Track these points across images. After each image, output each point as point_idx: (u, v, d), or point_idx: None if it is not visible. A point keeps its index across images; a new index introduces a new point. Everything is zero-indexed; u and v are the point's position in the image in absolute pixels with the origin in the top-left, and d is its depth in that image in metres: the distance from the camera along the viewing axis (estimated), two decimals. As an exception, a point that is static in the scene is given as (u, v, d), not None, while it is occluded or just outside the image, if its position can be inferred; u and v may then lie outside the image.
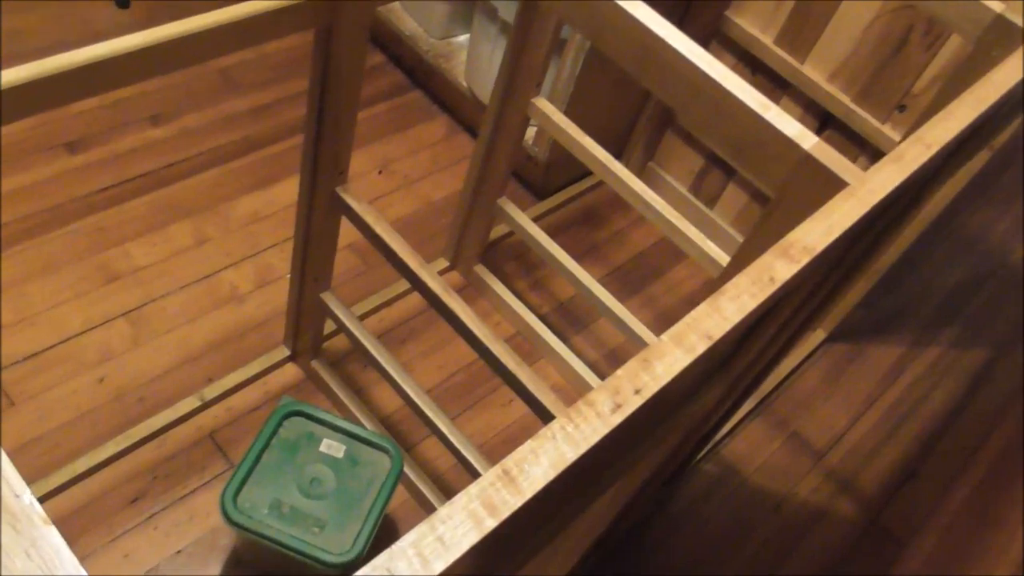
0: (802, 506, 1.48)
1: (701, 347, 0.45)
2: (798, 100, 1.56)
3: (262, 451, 1.05)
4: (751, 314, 0.49)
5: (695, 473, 1.45)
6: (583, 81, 1.51)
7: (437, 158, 1.77)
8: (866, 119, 1.45)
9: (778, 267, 0.51)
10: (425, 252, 1.59)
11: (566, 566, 1.01)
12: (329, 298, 1.20)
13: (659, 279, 1.69)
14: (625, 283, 1.66)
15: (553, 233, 1.71)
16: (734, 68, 1.63)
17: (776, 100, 1.59)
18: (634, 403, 0.42)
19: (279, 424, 1.08)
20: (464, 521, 0.35)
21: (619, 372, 0.43)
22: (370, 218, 1.05)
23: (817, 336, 1.69)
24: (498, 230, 1.66)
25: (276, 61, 1.83)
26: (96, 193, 1.50)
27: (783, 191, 0.61)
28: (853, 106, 1.47)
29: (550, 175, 1.72)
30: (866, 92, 1.46)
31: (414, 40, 1.85)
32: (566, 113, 1.54)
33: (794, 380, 1.62)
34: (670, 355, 0.44)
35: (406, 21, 1.87)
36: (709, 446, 1.46)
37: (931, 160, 0.63)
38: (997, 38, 0.84)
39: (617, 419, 0.41)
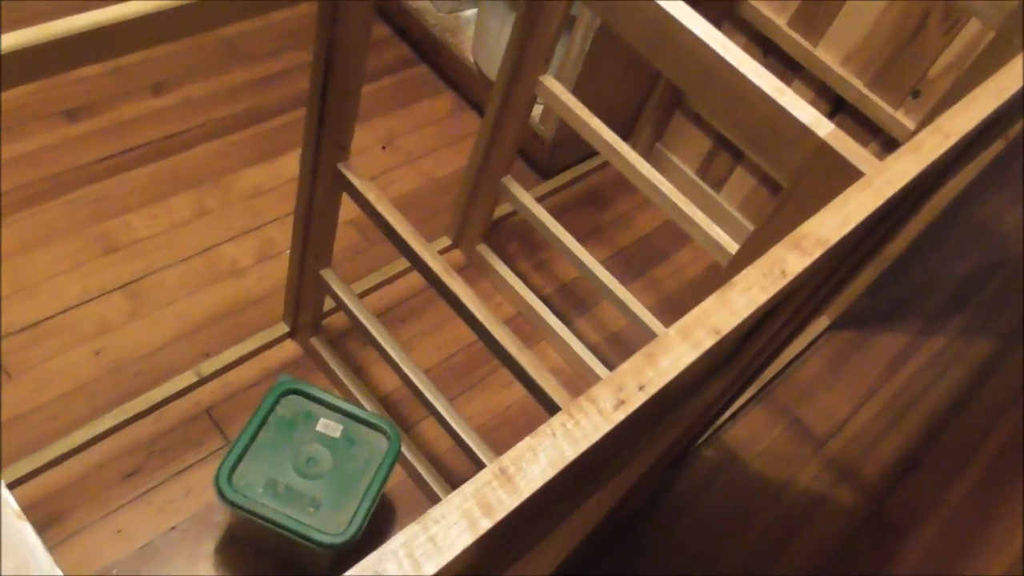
0: (803, 494, 1.47)
1: (708, 342, 0.43)
2: (810, 84, 1.53)
3: (258, 429, 1.04)
4: (761, 308, 0.47)
5: (696, 458, 1.44)
6: (592, 60, 1.48)
7: (442, 134, 1.75)
8: (879, 105, 1.42)
9: (790, 260, 0.49)
10: (427, 230, 1.57)
11: (562, 554, 1.00)
12: (329, 275, 1.18)
13: (663, 262, 1.67)
14: (629, 266, 1.65)
15: (557, 213, 1.69)
16: (745, 49, 1.60)
17: (788, 83, 1.56)
18: (638, 399, 0.40)
19: (276, 402, 1.07)
20: (458, 521, 0.34)
21: (624, 366, 0.42)
22: (371, 195, 1.03)
23: (821, 323, 1.67)
24: (502, 209, 1.63)
25: (282, 31, 1.80)
26: (96, 163, 1.48)
27: (797, 179, 0.59)
28: (866, 91, 1.44)
29: (556, 154, 1.69)
30: (880, 77, 1.43)
31: (421, 13, 1.82)
32: (574, 92, 1.51)
33: (797, 367, 1.61)
34: (676, 349, 0.43)
35: (413, -7, 1.84)
36: (710, 431, 1.45)
37: (950, 150, 0.61)
38: (1020, 25, 0.81)
39: (620, 416, 0.40)
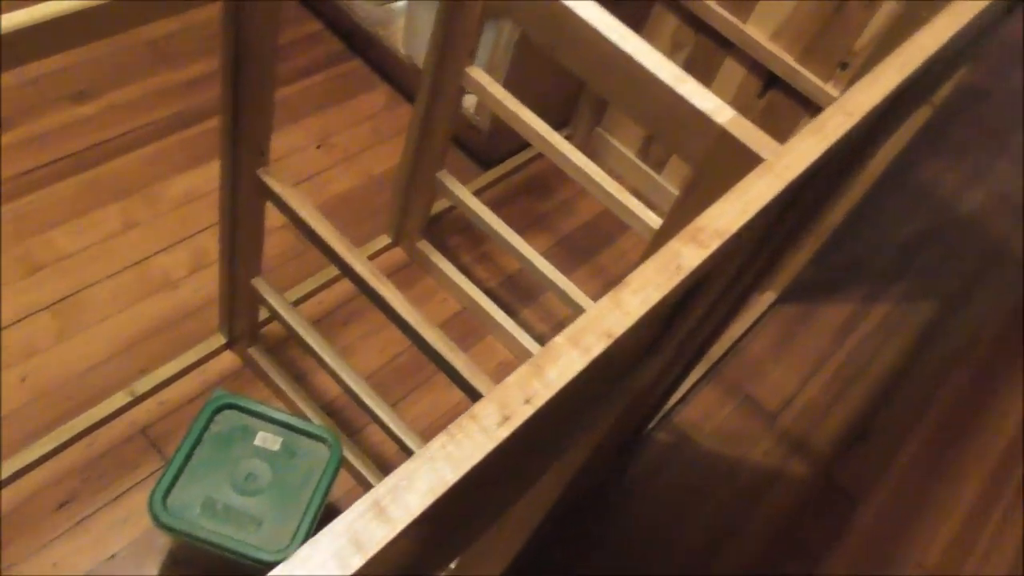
0: (756, 469, 1.48)
1: (599, 347, 0.42)
2: (743, 60, 1.52)
3: (193, 448, 1.01)
4: (659, 305, 0.46)
5: (649, 442, 1.44)
6: (524, 47, 1.46)
7: (378, 130, 1.72)
8: (809, 78, 1.42)
9: (686, 253, 0.48)
10: (366, 229, 1.54)
11: (512, 550, 0.99)
12: (260, 284, 1.15)
13: (608, 248, 1.66)
14: (573, 253, 1.64)
15: (499, 204, 1.67)
16: (677, 29, 1.59)
17: (720, 61, 1.55)
18: (524, 413, 0.39)
19: (211, 419, 1.04)
20: (326, 562, 0.32)
21: (509, 379, 0.40)
22: (294, 202, 1.01)
23: (767, 298, 1.68)
24: (442, 203, 1.61)
25: (209, 32, 1.75)
26: (15, 178, 1.43)
27: (702, 168, 0.58)
28: (796, 65, 1.44)
29: (494, 144, 1.67)
30: (809, 51, 1.43)
31: (350, 6, 1.78)
32: (507, 80, 1.49)
33: (745, 344, 1.62)
34: (565, 357, 0.41)
35: (340, -13, 1.80)
36: (661, 415, 1.45)
37: (855, 128, 0.61)
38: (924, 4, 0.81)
39: (504, 433, 0.38)
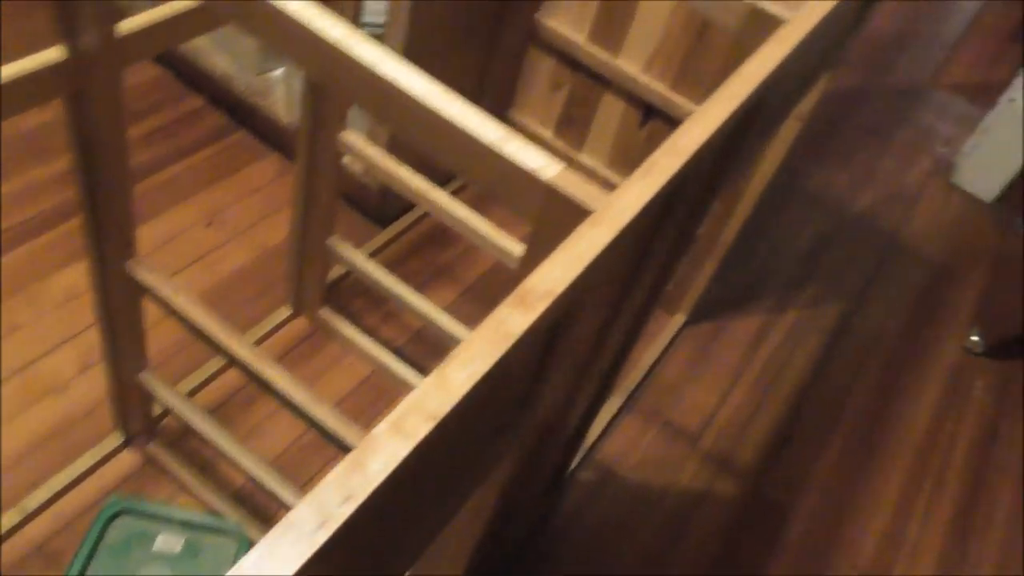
0: (685, 493, 1.48)
1: (424, 430, 0.41)
2: (620, 94, 1.56)
3: (87, 563, 0.96)
4: (488, 376, 0.45)
5: (573, 484, 1.43)
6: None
7: (270, 199, 1.69)
8: (683, 105, 1.46)
9: (513, 320, 0.48)
10: (265, 303, 1.51)
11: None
12: (147, 378, 1.11)
13: (515, 290, 1.66)
14: (479, 301, 1.63)
15: (399, 260, 1.66)
16: (554, 70, 1.62)
17: (599, 96, 1.59)
18: (343, 514, 0.37)
19: (104, 528, 0.99)
20: None
21: (328, 477, 0.39)
22: (168, 292, 0.97)
23: (677, 321, 1.70)
24: (341, 267, 1.59)
25: (80, 122, 1.70)
26: None
27: (537, 225, 0.58)
28: (669, 93, 1.48)
29: (388, 201, 1.66)
30: (680, 78, 1.47)
31: (228, 79, 1.76)
32: (391, 138, 1.49)
33: (660, 369, 1.63)
34: (387, 448, 0.40)
35: (218, 59, 1.78)
36: (582, 454, 1.45)
37: (688, 164, 0.62)
38: (755, 30, 0.84)
39: (323, 536, 0.37)
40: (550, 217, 0.57)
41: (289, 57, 0.64)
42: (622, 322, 0.93)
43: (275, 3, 0.61)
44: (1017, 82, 2.13)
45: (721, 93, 0.68)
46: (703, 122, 0.64)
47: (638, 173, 0.59)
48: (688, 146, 0.62)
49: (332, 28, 0.60)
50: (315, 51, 0.61)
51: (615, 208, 0.55)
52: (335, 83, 0.62)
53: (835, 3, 0.78)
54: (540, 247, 0.57)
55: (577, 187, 0.56)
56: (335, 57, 0.60)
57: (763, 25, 0.84)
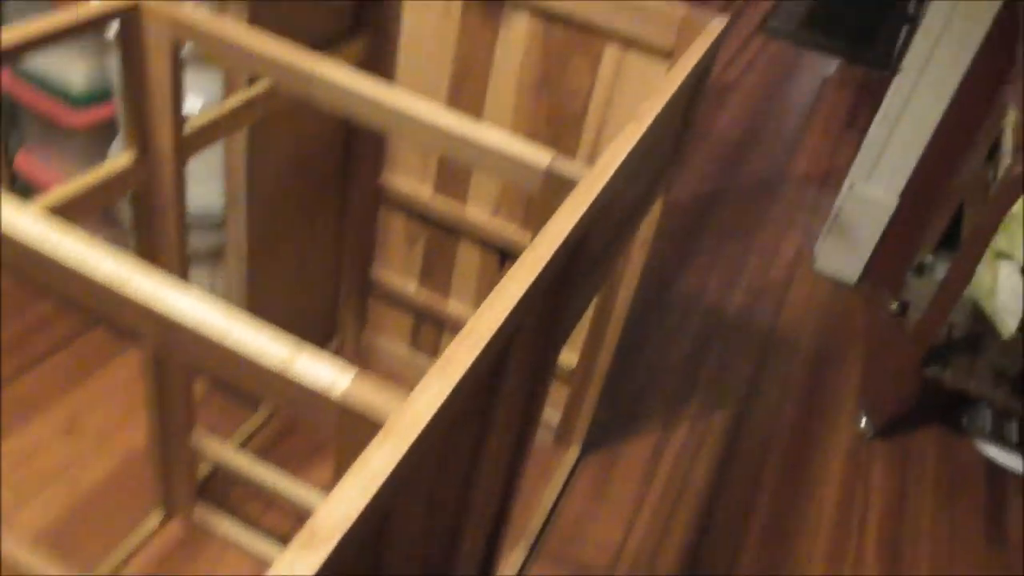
0: (606, 637, 1.42)
1: None
2: (474, 242, 1.59)
3: None
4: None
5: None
6: (256, 282, 1.44)
7: (135, 397, 1.61)
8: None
9: (299, 565, 0.44)
10: (135, 510, 1.41)
11: None
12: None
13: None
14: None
15: (276, 439, 1.59)
16: (407, 225, 1.64)
17: (454, 244, 1.61)
18: None
19: None
20: None
21: None
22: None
23: (572, 454, 1.68)
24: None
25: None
26: None
27: (339, 446, 0.56)
28: (520, 236, 1.51)
29: (259, 379, 1.61)
30: (527, 221, 1.51)
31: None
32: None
33: (562, 507, 1.59)
34: None
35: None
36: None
37: (489, 346, 0.61)
38: (553, 193, 0.87)
39: None
40: (347, 434, 0.55)
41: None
42: (481, 490, 0.90)
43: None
44: (853, 168, 2.29)
45: (518, 271, 0.68)
46: (502, 300, 0.64)
47: (433, 370, 0.58)
48: (489, 327, 0.61)
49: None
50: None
51: (408, 417, 0.53)
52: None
53: (623, 158, 0.81)
54: (342, 468, 0.55)
55: (367, 400, 0.54)
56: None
57: (560, 187, 0.87)
